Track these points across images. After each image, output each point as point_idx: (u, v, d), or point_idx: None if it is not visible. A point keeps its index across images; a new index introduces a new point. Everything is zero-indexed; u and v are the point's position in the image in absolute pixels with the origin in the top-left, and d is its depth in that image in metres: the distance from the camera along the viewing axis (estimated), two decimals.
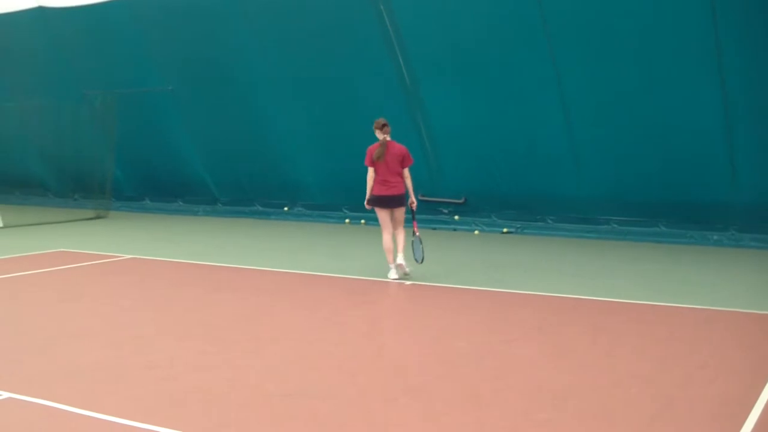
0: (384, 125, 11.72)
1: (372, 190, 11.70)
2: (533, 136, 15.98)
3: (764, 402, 6.33)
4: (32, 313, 9.84)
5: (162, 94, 19.95)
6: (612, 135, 15.25)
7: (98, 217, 20.54)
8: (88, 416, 6.09)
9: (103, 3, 19.41)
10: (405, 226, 11.98)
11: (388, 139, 11.72)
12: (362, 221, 18.25)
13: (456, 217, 17.80)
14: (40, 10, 20.54)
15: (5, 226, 18.32)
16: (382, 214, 11.81)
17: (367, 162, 11.66)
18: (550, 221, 16.90)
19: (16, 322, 9.33)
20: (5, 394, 6.55)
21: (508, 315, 9.79)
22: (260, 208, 20.44)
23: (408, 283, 11.54)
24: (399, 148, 11.75)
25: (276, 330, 9.04)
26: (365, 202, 11.85)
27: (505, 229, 17.18)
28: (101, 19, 19.70)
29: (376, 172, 11.64)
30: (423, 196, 17.63)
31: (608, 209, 16.16)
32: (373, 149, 11.65)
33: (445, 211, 17.96)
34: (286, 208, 20.00)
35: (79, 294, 11.06)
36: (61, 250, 14.86)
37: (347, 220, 18.94)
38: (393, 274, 11.82)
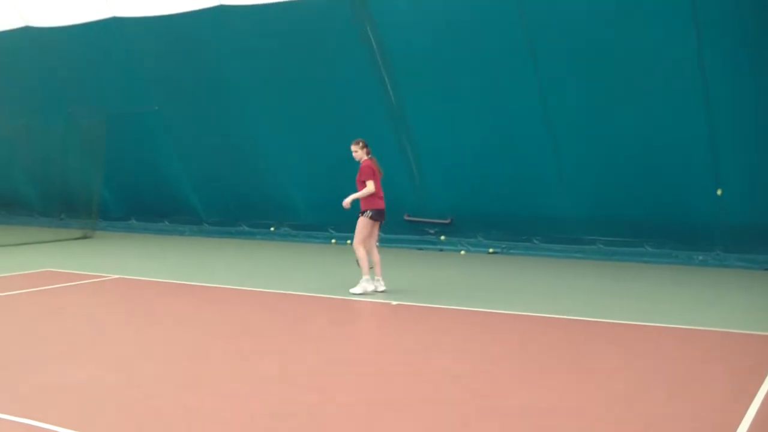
0: (366, 144, 12.26)
1: (375, 204, 12.14)
2: (519, 157, 16.05)
3: (749, 422, 6.34)
4: (18, 332, 9.80)
5: (148, 113, 19.98)
6: (598, 156, 15.34)
7: (85, 237, 20.51)
8: None
9: (90, 23, 19.47)
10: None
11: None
12: (348, 241, 18.21)
13: (442, 238, 17.83)
14: (26, 30, 20.55)
15: None
16: (371, 229, 12.19)
17: (371, 176, 12.01)
18: (536, 241, 16.95)
19: (1, 341, 9.30)
20: None
21: (492, 335, 9.81)
22: (246, 229, 20.44)
23: (394, 303, 11.55)
24: None
25: (261, 349, 9.04)
26: (365, 216, 12.12)
27: (491, 250, 17.22)
28: (88, 39, 19.75)
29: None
30: (409, 216, 17.71)
31: (594, 230, 16.22)
32: (373, 165, 12.10)
33: (431, 231, 18.00)
34: (272, 229, 20.02)
35: (65, 313, 11.02)
36: (48, 269, 14.82)
37: (333, 241, 18.96)
38: (370, 286, 12.16)
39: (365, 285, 12.17)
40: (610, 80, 14.64)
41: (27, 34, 20.64)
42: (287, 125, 18.32)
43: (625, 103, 14.72)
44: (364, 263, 12.16)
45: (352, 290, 12.24)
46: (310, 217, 19.31)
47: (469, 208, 17.23)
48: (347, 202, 12.10)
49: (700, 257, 15.34)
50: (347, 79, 17.15)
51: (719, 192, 14.49)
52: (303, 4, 16.83)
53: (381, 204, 12.20)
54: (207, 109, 19.21)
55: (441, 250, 17.68)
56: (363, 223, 12.14)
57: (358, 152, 12.19)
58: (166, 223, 21.70)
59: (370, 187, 11.98)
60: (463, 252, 17.37)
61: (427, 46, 16.02)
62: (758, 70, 13.69)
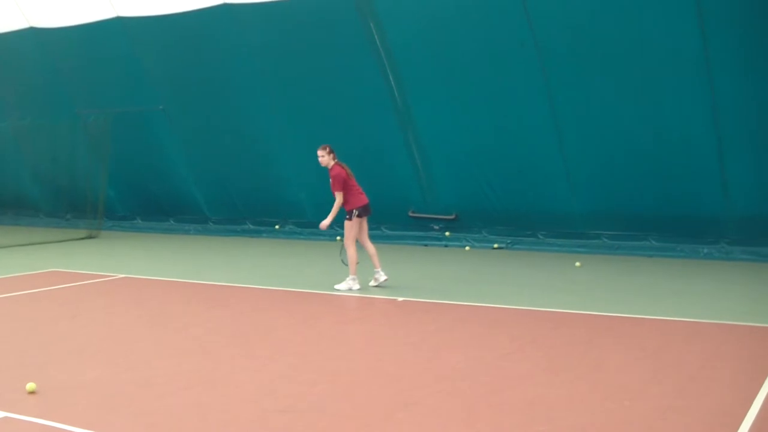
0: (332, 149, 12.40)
1: (358, 202, 12.29)
2: (524, 152, 16.06)
3: (756, 413, 6.39)
4: (27, 332, 9.83)
5: (154, 113, 20.00)
6: (603, 150, 15.34)
7: (90, 237, 20.53)
8: None
9: (95, 23, 19.48)
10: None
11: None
12: (338, 237, 18.23)
13: (447, 234, 17.84)
14: (32, 30, 20.59)
15: None
16: (359, 225, 12.39)
17: (339, 187, 12.16)
18: (540, 236, 16.96)
19: (12, 342, 9.33)
20: (1, 414, 6.57)
21: (500, 330, 9.83)
22: (251, 227, 20.46)
23: (401, 299, 11.60)
24: None
25: (271, 346, 9.08)
26: (352, 218, 12.30)
27: (496, 245, 17.23)
28: (93, 39, 19.76)
29: (351, 187, 12.28)
30: (414, 212, 17.74)
31: (599, 223, 16.23)
32: (344, 171, 12.22)
33: (436, 227, 18.01)
34: (277, 227, 20.04)
35: (73, 313, 11.07)
36: (55, 270, 14.87)
37: (338, 238, 18.89)
38: (356, 285, 12.38)
39: (351, 283, 12.40)
40: (615, 75, 14.64)
41: (32, 34, 20.67)
42: (292, 123, 18.34)
43: (630, 97, 14.71)
44: (352, 263, 12.38)
45: (336, 286, 12.48)
46: (315, 214, 19.26)
47: (474, 203, 17.24)
48: (325, 225, 12.28)
49: (705, 250, 15.35)
50: (352, 77, 17.15)
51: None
52: (308, 1, 16.85)
53: (363, 199, 12.37)
54: (212, 108, 19.23)
55: (446, 246, 17.70)
56: (349, 225, 12.35)
57: (325, 157, 12.28)
58: (172, 222, 21.72)
59: (339, 200, 12.20)
60: (467, 248, 17.38)
61: (431, 42, 16.03)
62: (764, 63, 13.68)
